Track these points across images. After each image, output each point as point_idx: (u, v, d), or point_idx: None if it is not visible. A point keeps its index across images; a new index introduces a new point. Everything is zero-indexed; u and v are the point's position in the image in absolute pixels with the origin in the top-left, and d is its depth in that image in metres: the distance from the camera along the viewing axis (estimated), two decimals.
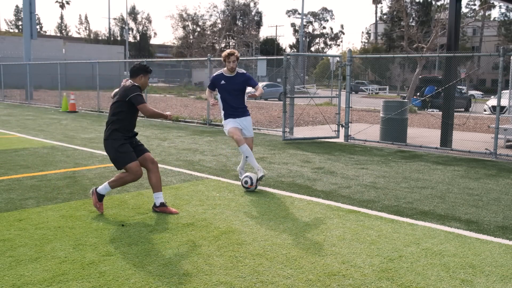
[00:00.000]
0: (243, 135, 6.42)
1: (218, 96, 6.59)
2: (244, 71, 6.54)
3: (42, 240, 4.22)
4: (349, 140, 11.55)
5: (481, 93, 41.25)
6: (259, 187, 6.36)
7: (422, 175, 7.47)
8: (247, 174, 6.22)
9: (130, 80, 5.09)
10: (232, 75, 6.47)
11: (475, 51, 56.48)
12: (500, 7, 60.91)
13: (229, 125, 6.43)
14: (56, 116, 17.12)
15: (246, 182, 6.15)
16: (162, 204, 5.13)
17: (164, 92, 38.52)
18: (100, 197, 5.04)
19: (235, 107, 6.47)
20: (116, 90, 5.15)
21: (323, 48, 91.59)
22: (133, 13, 75.14)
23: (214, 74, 6.59)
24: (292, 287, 3.39)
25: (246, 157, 6.38)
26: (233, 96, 6.46)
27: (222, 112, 6.57)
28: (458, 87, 24.99)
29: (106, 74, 35.04)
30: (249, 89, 6.79)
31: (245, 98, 6.64)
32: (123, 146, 4.91)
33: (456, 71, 11.05)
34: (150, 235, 4.42)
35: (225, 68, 6.50)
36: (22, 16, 27.37)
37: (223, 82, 6.45)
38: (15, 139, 10.69)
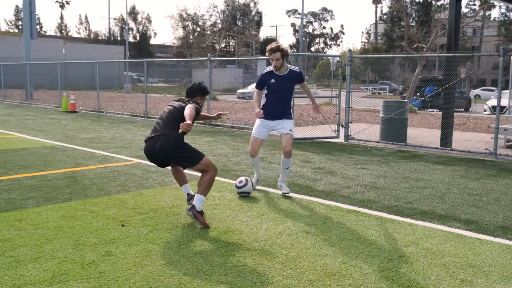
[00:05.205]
0: (280, 131, 5.89)
1: (264, 93, 6.01)
2: (297, 69, 5.97)
3: (42, 240, 4.22)
4: (349, 140, 11.55)
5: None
6: (258, 187, 6.35)
7: (422, 175, 7.47)
8: (244, 177, 5.97)
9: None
10: (282, 74, 5.82)
11: (475, 51, 56.46)
12: (500, 7, 60.94)
13: (254, 131, 6.01)
14: (56, 116, 17.12)
15: (240, 182, 5.85)
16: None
17: (164, 92, 38.52)
18: (199, 211, 4.67)
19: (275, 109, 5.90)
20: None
21: (323, 48, 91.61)
22: (133, 13, 75.14)
23: (264, 71, 5.97)
24: (292, 287, 3.39)
25: (253, 164, 6.13)
26: (278, 96, 5.86)
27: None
28: (459, 89, 24.85)
29: (106, 74, 35.09)
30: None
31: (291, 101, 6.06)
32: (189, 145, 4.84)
33: (456, 71, 11.05)
34: (150, 235, 4.42)
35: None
36: (22, 16, 27.37)
37: (273, 80, 5.83)
38: (15, 139, 10.69)
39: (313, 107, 6.22)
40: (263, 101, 6.00)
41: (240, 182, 5.87)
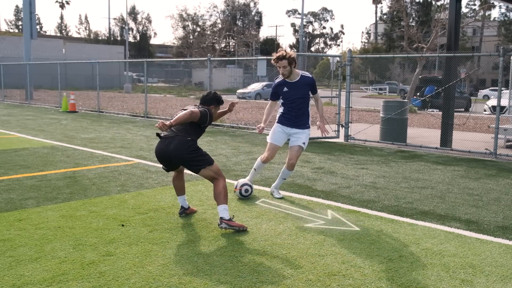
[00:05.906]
0: (292, 143, 5.77)
1: (280, 102, 5.83)
2: (309, 75, 5.79)
3: (42, 240, 4.22)
4: (349, 140, 11.55)
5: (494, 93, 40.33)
6: (259, 187, 6.35)
7: (422, 175, 7.47)
8: (246, 182, 5.86)
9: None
10: (294, 81, 5.63)
11: (475, 51, 56.42)
12: (500, 7, 60.88)
13: (271, 137, 5.83)
14: (56, 116, 17.12)
15: (246, 191, 5.80)
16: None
17: (164, 92, 38.52)
18: (230, 219, 4.62)
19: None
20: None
21: (323, 48, 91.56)
22: (133, 13, 75.11)
23: (275, 81, 5.77)
24: (292, 287, 3.39)
25: (254, 169, 6.03)
26: (295, 104, 5.68)
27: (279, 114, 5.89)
28: (459, 89, 24.68)
29: (106, 74, 35.08)
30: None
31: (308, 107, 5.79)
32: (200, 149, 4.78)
33: (456, 71, 11.05)
34: (150, 235, 4.42)
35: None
36: (22, 16, 27.37)
37: (286, 89, 5.66)
38: (15, 139, 10.69)
39: (318, 124, 5.97)
40: (281, 109, 5.83)
41: (246, 191, 5.79)
